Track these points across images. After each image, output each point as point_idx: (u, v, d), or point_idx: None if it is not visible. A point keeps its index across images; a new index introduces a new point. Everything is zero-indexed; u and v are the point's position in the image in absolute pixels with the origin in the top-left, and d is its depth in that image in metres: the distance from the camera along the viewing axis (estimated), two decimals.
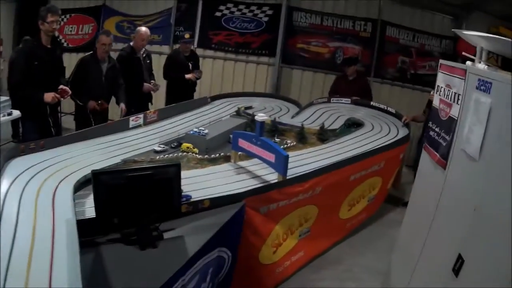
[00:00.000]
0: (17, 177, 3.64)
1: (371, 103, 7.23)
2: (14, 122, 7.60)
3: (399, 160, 5.93)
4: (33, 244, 2.66)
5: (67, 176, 3.77)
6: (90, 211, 3.31)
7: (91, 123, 5.68)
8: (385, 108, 6.96)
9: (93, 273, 2.76)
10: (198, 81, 7.75)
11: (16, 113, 6.32)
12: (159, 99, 7.57)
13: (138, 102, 6.61)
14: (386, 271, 4.50)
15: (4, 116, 6.65)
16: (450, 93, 3.29)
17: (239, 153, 4.65)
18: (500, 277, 2.31)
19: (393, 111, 6.81)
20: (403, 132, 6.02)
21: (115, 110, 6.47)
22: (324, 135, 5.58)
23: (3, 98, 6.83)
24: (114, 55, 6.45)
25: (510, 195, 2.28)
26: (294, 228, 4.63)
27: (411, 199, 4.09)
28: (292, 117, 6.49)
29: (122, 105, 6.04)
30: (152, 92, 6.98)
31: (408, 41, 8.75)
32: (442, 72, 3.53)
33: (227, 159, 4.70)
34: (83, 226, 2.95)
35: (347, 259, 5.24)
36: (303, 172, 4.47)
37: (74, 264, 2.48)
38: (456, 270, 2.72)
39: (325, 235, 5.14)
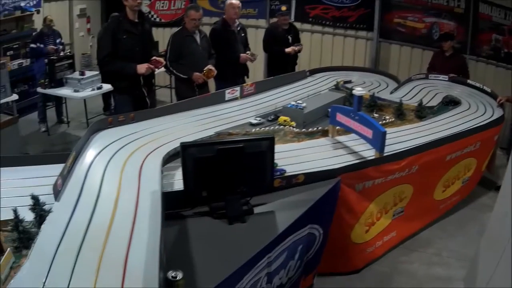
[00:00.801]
0: (103, 149, 3.72)
1: (468, 81, 6.94)
2: (105, 97, 7.90)
3: (493, 142, 5.66)
4: (113, 216, 2.73)
5: (156, 148, 3.82)
6: (178, 184, 3.33)
7: (195, 95, 5.65)
8: (481, 87, 6.66)
9: (177, 246, 2.81)
10: (298, 55, 7.60)
11: (106, 87, 6.52)
12: (257, 73, 7.54)
13: (233, 76, 6.57)
14: (473, 259, 4.38)
15: (93, 89, 6.91)
16: None
17: (337, 127, 4.56)
18: None
19: (489, 90, 6.50)
20: (498, 113, 5.73)
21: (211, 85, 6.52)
22: (422, 112, 5.38)
23: (93, 73, 7.08)
24: (206, 30, 6.46)
25: None
26: (389, 208, 4.53)
27: (503, 184, 3.92)
28: (391, 92, 6.28)
29: (210, 66, 5.93)
30: (248, 64, 6.90)
31: (500, 19, 8.28)
32: None
33: (324, 133, 4.62)
34: (170, 199, 3.01)
35: (437, 242, 5.10)
36: (400, 150, 4.34)
37: (156, 235, 2.51)
38: None
39: (418, 216, 5.00)
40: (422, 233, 5.20)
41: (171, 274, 2.27)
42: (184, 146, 2.99)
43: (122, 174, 3.32)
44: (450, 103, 5.90)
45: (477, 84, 6.75)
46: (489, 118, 5.51)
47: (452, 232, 5.32)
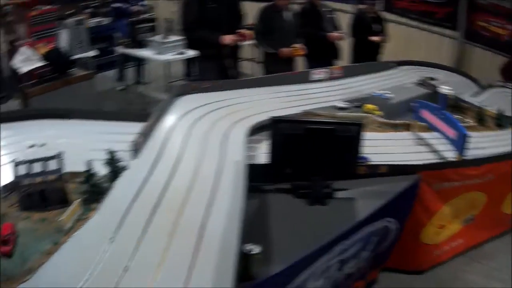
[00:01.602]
0: (186, 113, 3.71)
1: None
2: (187, 62, 7.91)
3: None
4: (194, 181, 2.70)
5: (242, 119, 3.79)
6: (260, 157, 3.32)
7: (282, 71, 5.58)
8: None
9: (255, 220, 2.79)
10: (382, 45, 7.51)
11: (190, 53, 6.52)
12: (342, 58, 7.43)
13: (322, 57, 6.50)
14: None
15: (175, 54, 6.93)
16: None
17: (421, 123, 4.47)
18: None
19: None
20: None
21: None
22: (501, 120, 5.23)
23: (176, 37, 7.10)
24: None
25: None
26: (461, 213, 4.43)
27: None
28: (472, 96, 6.13)
29: (298, 44, 5.91)
30: (339, 49, 6.85)
31: None
32: None
33: (408, 127, 4.54)
34: (252, 171, 2.96)
35: (499, 257, 4.91)
36: (479, 156, 4.21)
37: (236, 205, 2.49)
38: None
39: (487, 227, 4.86)
40: (486, 245, 5.06)
41: (247, 247, 2.24)
42: (275, 121, 2.98)
43: (206, 141, 3.30)
44: None
45: None
46: None
47: None
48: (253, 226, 2.69)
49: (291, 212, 2.97)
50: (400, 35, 9.48)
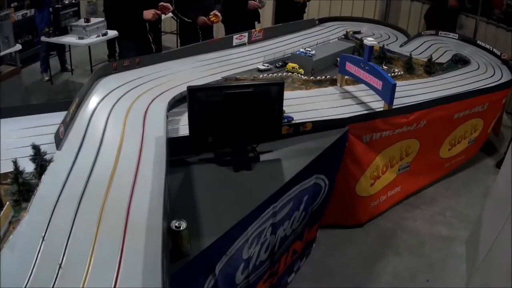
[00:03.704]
0: (107, 94, 3.60)
1: (478, 41, 6.80)
2: (110, 43, 7.75)
3: (501, 105, 5.56)
4: (116, 164, 2.62)
5: (162, 93, 3.71)
6: (184, 130, 3.23)
7: (199, 40, 5.51)
8: (491, 49, 6.51)
9: (182, 194, 2.72)
10: (307, 3, 7.39)
11: (112, 33, 6.39)
12: (266, 19, 7.34)
13: (243, 21, 6.40)
14: (477, 220, 4.37)
15: (98, 36, 6.76)
16: None
17: (346, 77, 4.43)
18: None
19: (498, 53, 6.36)
20: (507, 76, 5.61)
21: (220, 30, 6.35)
22: (431, 68, 5.26)
23: (98, 19, 6.93)
24: None
25: None
26: (395, 162, 4.45)
27: (510, 149, 3.87)
28: (401, 46, 6.15)
29: (215, 11, 5.75)
30: (259, 11, 6.74)
31: None
32: None
33: (333, 82, 4.51)
34: (175, 145, 2.92)
35: (441, 201, 5.06)
36: (409, 103, 4.23)
37: (160, 182, 2.42)
38: None
39: (423, 173, 4.95)
40: (427, 191, 5.17)
41: (174, 223, 2.17)
42: (191, 90, 2.85)
43: (127, 120, 3.20)
44: (459, 61, 5.78)
45: (487, 46, 6.60)
46: (498, 80, 5.40)
47: (456, 192, 5.28)
48: (181, 201, 2.64)
49: (218, 181, 2.89)
50: None
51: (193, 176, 2.91)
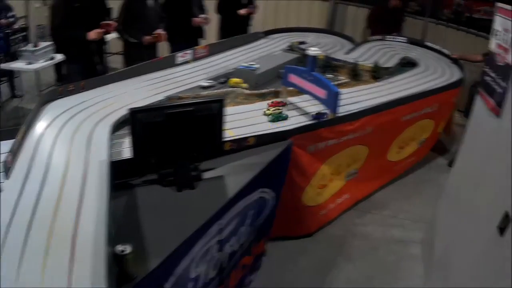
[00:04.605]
0: (52, 121, 3.56)
1: (426, 43, 6.94)
2: (58, 67, 7.64)
3: (452, 104, 5.67)
4: (62, 191, 2.60)
5: (106, 116, 3.69)
6: (128, 152, 3.22)
7: (144, 60, 5.40)
8: (440, 50, 6.66)
9: (127, 217, 2.69)
10: (252, 17, 7.47)
11: (58, 56, 6.32)
12: (211, 35, 7.33)
13: (187, 38, 6.37)
14: (431, 220, 4.41)
15: (46, 60, 6.67)
16: (508, 38, 3.04)
17: (290, 88, 4.45)
18: None
19: (447, 52, 6.51)
20: (457, 75, 5.74)
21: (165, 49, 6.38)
22: (377, 73, 5.35)
23: (46, 43, 6.84)
24: None
25: None
26: (342, 169, 4.50)
27: (462, 148, 3.94)
28: (346, 53, 6.24)
29: (160, 30, 5.75)
30: (204, 27, 6.73)
31: None
32: (500, 16, 3.27)
33: (276, 94, 4.54)
34: (119, 168, 2.89)
35: (392, 204, 5.10)
36: (355, 110, 4.30)
37: (102, 207, 2.42)
38: (501, 229, 2.51)
39: (372, 178, 5.01)
40: (377, 195, 5.21)
41: (119, 248, 2.16)
42: (133, 112, 2.85)
43: (72, 145, 3.18)
44: (407, 64, 5.89)
45: (436, 47, 6.74)
46: (448, 80, 5.51)
47: (408, 194, 5.33)
48: (126, 224, 2.61)
49: (161, 202, 2.87)
50: (271, 5, 9.58)
51: (137, 198, 2.88)
